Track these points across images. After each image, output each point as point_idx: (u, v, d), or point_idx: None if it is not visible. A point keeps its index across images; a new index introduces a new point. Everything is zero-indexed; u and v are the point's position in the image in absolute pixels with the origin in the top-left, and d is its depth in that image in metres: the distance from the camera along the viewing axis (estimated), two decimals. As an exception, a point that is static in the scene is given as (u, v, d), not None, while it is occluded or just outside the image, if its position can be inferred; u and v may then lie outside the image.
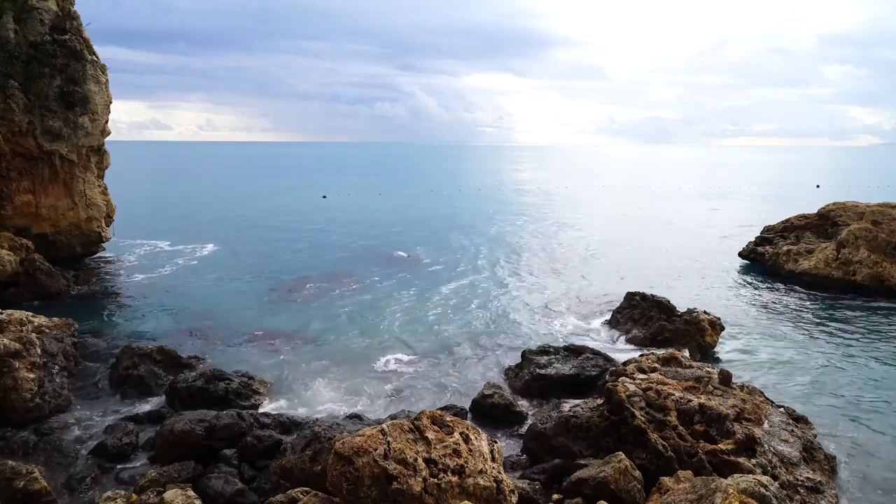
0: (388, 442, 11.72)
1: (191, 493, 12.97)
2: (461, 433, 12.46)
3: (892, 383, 21.37)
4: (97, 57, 37.56)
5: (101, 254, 40.90)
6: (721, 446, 14.34)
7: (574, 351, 22.64)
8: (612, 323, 27.10)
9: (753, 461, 13.99)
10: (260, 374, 21.34)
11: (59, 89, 35.28)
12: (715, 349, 24.35)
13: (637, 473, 13.79)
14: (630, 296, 27.19)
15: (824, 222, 39.11)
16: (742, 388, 17.40)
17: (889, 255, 33.15)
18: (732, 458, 14.05)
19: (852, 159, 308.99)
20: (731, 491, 10.90)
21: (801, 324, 28.10)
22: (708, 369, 18.20)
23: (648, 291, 27.32)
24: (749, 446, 14.42)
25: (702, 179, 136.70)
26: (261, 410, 18.84)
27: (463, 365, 23.33)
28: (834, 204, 40.21)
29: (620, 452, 14.18)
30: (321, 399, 20.19)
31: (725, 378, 17.28)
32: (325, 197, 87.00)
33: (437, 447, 11.94)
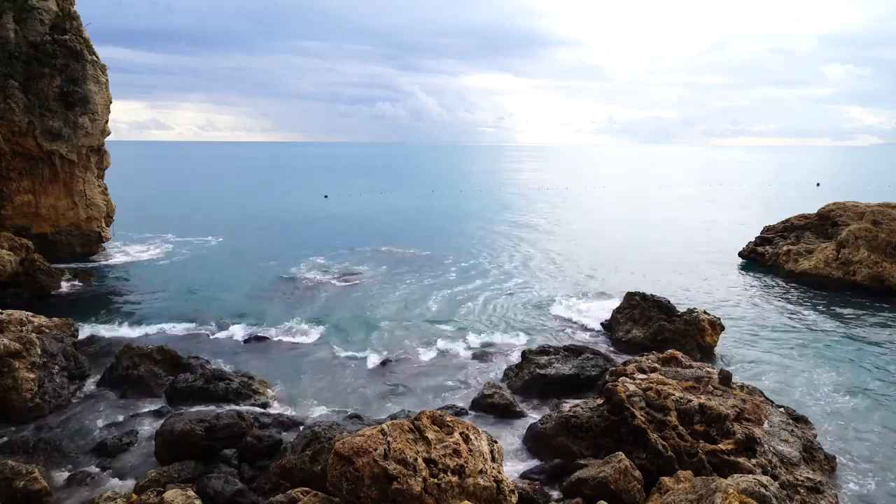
0: (388, 442, 11.71)
1: (191, 493, 12.96)
2: (461, 433, 12.45)
3: (892, 383, 21.37)
4: (97, 57, 37.60)
5: (101, 254, 40.91)
6: (721, 446, 14.34)
7: (574, 351, 22.65)
8: (612, 323, 27.07)
9: (753, 461, 13.99)
10: (260, 374, 21.34)
11: (59, 89, 35.33)
12: (715, 349, 24.34)
13: (637, 473, 13.79)
14: (630, 296, 27.17)
15: (824, 222, 39.12)
16: (742, 388, 17.39)
17: (889, 255, 33.14)
18: (732, 458, 14.05)
19: (852, 159, 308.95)
20: (731, 491, 10.90)
21: (801, 324, 28.08)
22: (708, 369, 18.19)
23: (648, 291, 27.31)
24: (749, 446, 14.41)
25: (702, 179, 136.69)
26: (260, 410, 18.84)
27: (463, 365, 23.33)
28: (834, 204, 40.22)
29: (620, 452, 14.18)
30: (321, 399, 20.19)
31: (725, 378, 17.27)
32: (326, 196, 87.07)
33: (437, 447, 11.93)
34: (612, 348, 24.87)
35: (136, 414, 18.87)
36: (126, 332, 26.34)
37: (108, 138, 39.69)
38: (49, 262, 33.09)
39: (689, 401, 15.52)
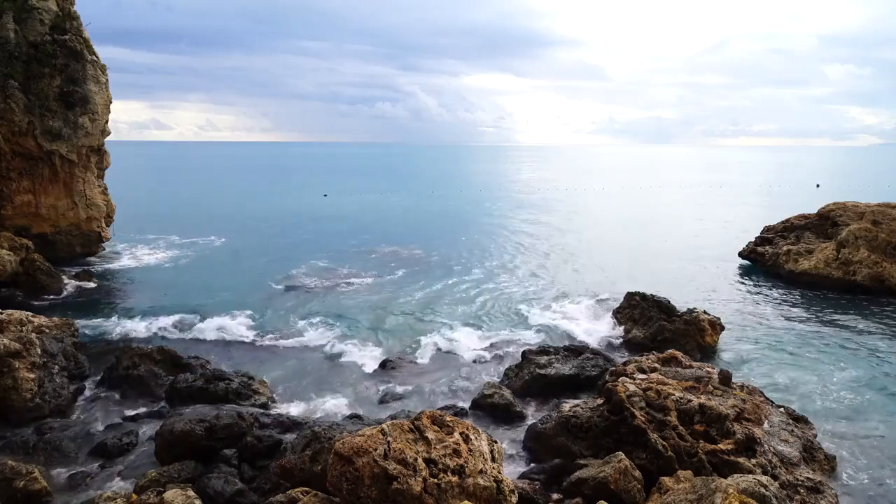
0: (388, 442, 11.71)
1: (191, 493, 12.96)
2: (461, 433, 12.45)
3: (892, 383, 21.37)
4: (97, 57, 37.58)
5: (101, 253, 40.90)
6: (721, 446, 14.34)
7: (574, 351, 22.64)
8: (612, 323, 27.08)
9: (753, 461, 13.99)
10: (260, 374, 21.34)
11: (59, 89, 35.30)
12: (715, 349, 24.35)
13: (637, 473, 13.79)
14: (630, 296, 27.17)
15: (824, 222, 39.08)
16: (742, 388, 17.40)
17: (889, 255, 33.13)
18: (732, 458, 14.05)
19: (852, 159, 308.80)
20: (731, 491, 10.90)
21: (801, 324, 28.08)
22: (708, 369, 18.19)
23: (648, 291, 27.32)
24: (749, 446, 14.42)
25: (702, 179, 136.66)
26: (260, 410, 18.83)
27: (463, 365, 23.32)
28: (834, 204, 40.17)
29: (620, 452, 14.18)
30: (321, 399, 20.20)
31: (725, 378, 17.28)
32: (325, 195, 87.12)
33: (437, 447, 11.93)
34: (612, 348, 24.87)
35: (136, 414, 18.87)
36: (126, 332, 26.29)
37: (108, 138, 39.67)
38: (49, 262, 33.09)
39: (689, 401, 15.52)
